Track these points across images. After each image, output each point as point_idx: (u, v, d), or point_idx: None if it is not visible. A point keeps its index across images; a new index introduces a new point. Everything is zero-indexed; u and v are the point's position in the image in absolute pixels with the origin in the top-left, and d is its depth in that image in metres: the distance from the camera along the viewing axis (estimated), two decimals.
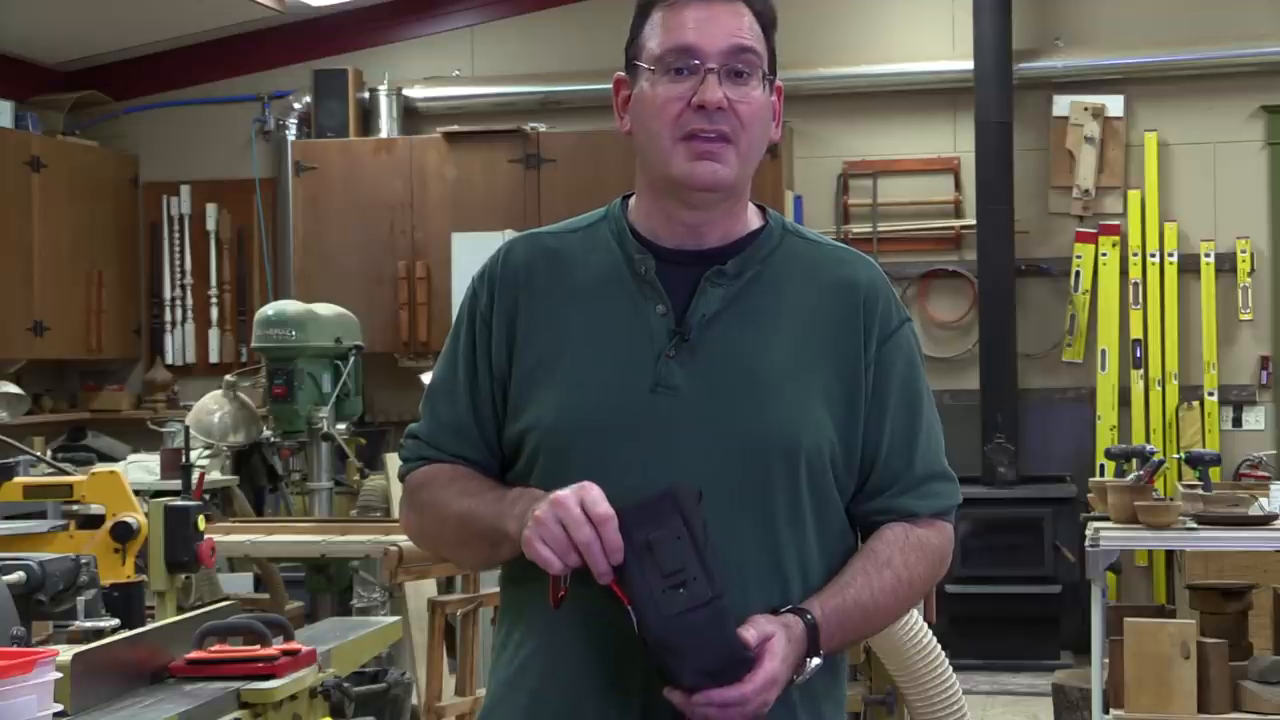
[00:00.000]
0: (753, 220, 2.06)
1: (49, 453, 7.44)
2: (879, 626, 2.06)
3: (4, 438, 4.68)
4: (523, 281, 2.05)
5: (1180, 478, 7.02)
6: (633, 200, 2.08)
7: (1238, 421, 8.28)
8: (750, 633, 1.85)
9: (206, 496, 4.26)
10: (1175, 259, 8.27)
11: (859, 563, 1.99)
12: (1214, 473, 6.33)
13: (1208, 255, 8.24)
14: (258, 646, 2.80)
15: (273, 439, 6.85)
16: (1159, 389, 8.25)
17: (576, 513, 1.82)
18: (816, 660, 1.91)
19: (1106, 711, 5.14)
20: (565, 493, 1.83)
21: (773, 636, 1.85)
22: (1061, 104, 8.40)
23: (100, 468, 5.16)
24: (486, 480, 2.03)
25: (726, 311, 1.99)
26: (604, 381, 1.97)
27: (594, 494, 1.83)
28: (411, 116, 8.96)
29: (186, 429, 4.70)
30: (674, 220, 2.02)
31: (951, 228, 8.57)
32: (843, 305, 2.02)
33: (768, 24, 2.02)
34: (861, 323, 2.01)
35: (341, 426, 6.77)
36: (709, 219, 2.02)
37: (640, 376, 1.96)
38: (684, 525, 1.82)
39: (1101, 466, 7.78)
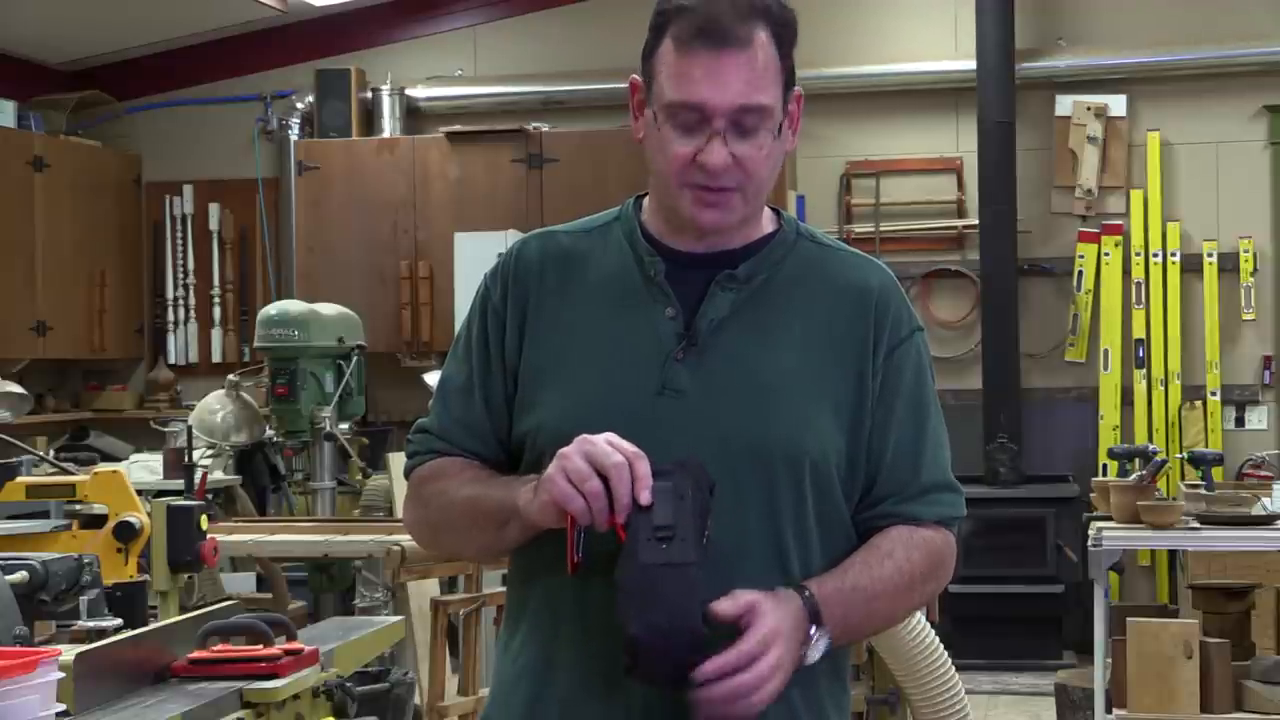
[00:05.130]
0: (766, 224, 2.05)
1: (52, 452, 7.42)
2: (882, 614, 2.02)
3: (7, 437, 4.68)
4: (535, 278, 2.04)
5: (1183, 477, 7.02)
6: (646, 201, 2.07)
7: (1240, 421, 8.28)
8: (725, 604, 1.82)
9: (209, 496, 4.25)
10: (1178, 259, 8.27)
11: (859, 555, 1.97)
12: (1216, 472, 6.35)
13: (1210, 255, 8.23)
14: (260, 646, 2.79)
15: (275, 439, 6.85)
16: (1161, 389, 8.25)
17: (604, 445, 1.81)
18: (824, 638, 1.88)
19: (1109, 711, 5.14)
20: (592, 435, 1.83)
21: (755, 602, 1.83)
22: (1064, 104, 8.40)
23: (103, 467, 5.14)
24: (496, 472, 2.02)
25: (735, 316, 1.98)
26: (610, 383, 1.96)
27: (620, 440, 1.82)
28: (414, 116, 8.96)
29: (189, 429, 4.69)
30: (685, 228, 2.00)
31: (954, 227, 8.57)
32: (853, 311, 2.00)
33: (786, 40, 1.95)
34: (871, 329, 2.00)
35: (344, 426, 6.76)
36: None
37: (647, 379, 1.95)
38: (690, 490, 1.81)
39: (1104, 466, 7.78)
